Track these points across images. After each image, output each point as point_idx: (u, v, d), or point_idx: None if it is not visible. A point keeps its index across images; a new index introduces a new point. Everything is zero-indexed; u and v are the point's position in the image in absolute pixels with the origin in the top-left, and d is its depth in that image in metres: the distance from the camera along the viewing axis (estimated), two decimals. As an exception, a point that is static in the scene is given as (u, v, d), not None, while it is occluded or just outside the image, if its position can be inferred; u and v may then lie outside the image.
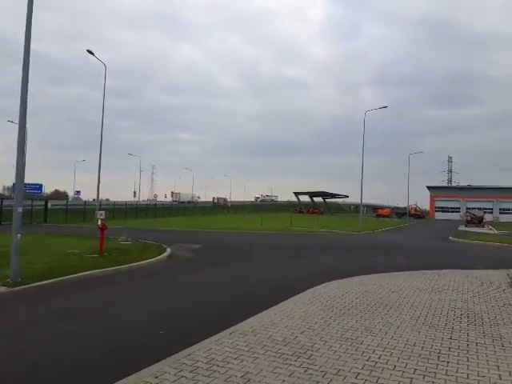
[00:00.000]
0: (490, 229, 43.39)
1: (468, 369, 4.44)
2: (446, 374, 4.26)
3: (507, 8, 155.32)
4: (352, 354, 4.76)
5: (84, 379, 4.24)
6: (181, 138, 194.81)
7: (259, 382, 3.92)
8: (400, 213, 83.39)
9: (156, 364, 4.37)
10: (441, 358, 4.72)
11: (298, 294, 8.14)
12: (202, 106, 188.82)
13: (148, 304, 7.63)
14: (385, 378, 4.10)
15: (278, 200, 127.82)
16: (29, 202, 34.42)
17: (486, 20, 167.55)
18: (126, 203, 50.04)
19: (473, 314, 6.90)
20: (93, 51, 23.21)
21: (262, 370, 4.21)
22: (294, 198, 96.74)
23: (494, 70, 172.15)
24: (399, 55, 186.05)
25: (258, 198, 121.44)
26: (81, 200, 63.28)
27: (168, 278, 10.64)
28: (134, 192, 78.02)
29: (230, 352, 4.72)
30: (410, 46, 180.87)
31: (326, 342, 5.20)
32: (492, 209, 79.83)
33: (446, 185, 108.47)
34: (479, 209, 63.02)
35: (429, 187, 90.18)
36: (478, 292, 8.90)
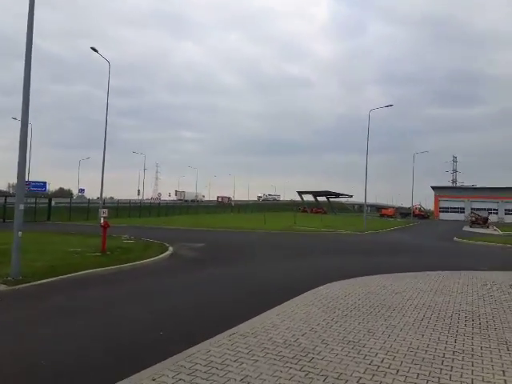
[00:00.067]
0: (495, 230, 43.09)
1: (472, 374, 4.34)
2: (450, 379, 4.17)
3: (510, 6, 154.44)
4: (354, 358, 4.67)
5: (82, 380, 4.18)
6: (184, 137, 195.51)
7: (259, 385, 3.84)
8: (404, 213, 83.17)
9: (154, 366, 4.30)
10: (445, 363, 4.62)
11: (301, 294, 8.05)
12: (204, 105, 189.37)
13: (148, 303, 7.57)
14: (387, 383, 4.01)
15: (281, 199, 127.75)
16: (32, 200, 34.59)
17: (489, 18, 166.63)
18: (129, 201, 50.14)
19: (477, 317, 6.79)
20: (96, 49, 23.12)
21: (261, 373, 4.13)
22: (298, 197, 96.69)
23: (496, 69, 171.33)
24: (403, 53, 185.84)
25: (261, 197, 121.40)
26: (85, 198, 63.47)
27: (169, 277, 10.60)
28: (138, 190, 78.33)
29: (229, 354, 4.64)
30: (413, 45, 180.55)
31: (328, 344, 5.11)
32: (497, 209, 79.36)
33: (451, 185, 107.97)
34: (484, 209, 62.56)
35: (433, 187, 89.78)
36: (483, 294, 8.77)
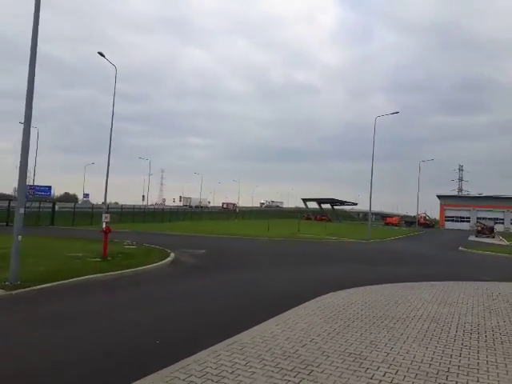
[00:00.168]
0: (501, 240, 42.60)
1: (478, 390, 4.17)
2: (455, 396, 4.00)
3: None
4: (355, 371, 4.51)
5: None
6: (190, 143, 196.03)
7: (255, 399, 3.69)
8: (409, 221, 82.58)
9: (148, 376, 4.17)
10: (449, 378, 4.45)
11: (302, 303, 7.89)
12: (211, 111, 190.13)
13: (146, 310, 7.44)
14: (389, 399, 3.85)
15: (284, 206, 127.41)
16: (36, 204, 34.68)
17: (496, 26, 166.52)
18: (133, 207, 50.17)
19: (483, 330, 6.60)
20: (104, 54, 23.27)
21: (258, 386, 3.99)
22: (302, 204, 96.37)
23: (503, 77, 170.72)
24: (410, 61, 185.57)
25: (263, 203, 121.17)
26: (90, 203, 63.71)
27: (169, 283, 10.46)
28: (143, 196, 78.48)
29: (225, 366, 4.50)
30: (420, 52, 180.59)
31: (328, 356, 4.96)
32: (503, 219, 78.62)
33: (456, 193, 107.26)
34: (490, 219, 61.98)
35: (439, 196, 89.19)
36: (489, 306, 8.57)
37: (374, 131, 35.39)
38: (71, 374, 4.39)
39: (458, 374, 4.60)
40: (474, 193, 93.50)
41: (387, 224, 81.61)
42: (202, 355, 4.84)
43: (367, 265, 16.22)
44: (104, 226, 13.71)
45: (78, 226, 34.12)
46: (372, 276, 12.64)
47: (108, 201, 34.55)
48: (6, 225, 29.11)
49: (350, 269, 14.67)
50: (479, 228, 50.26)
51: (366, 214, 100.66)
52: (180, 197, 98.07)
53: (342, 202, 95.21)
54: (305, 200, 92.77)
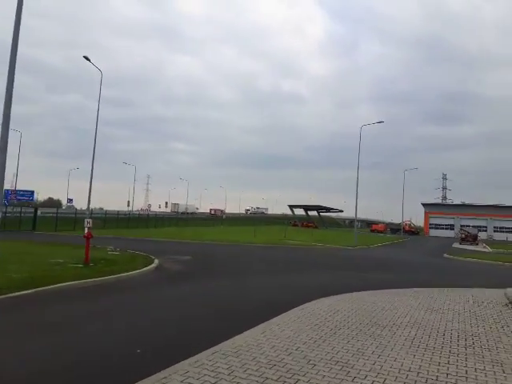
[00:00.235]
0: (485, 247, 43.20)
1: (468, 399, 4.07)
2: (444, 405, 3.89)
3: (499, 29, 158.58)
4: (342, 380, 4.37)
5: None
6: (176, 149, 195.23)
7: (238, 411, 3.52)
8: (394, 229, 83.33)
9: (126, 388, 3.96)
10: (438, 386, 4.35)
11: (288, 310, 7.74)
12: (198, 118, 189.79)
13: (126, 319, 7.19)
14: (377, 409, 3.72)
15: (269, 212, 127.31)
16: (18, 209, 33.92)
17: (479, 40, 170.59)
18: (117, 212, 49.45)
19: (470, 336, 6.53)
20: (89, 58, 22.96)
21: (242, 397, 3.82)
22: (289, 211, 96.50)
23: (487, 90, 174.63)
24: (396, 73, 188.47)
25: (248, 210, 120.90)
26: (74, 208, 62.57)
27: (151, 290, 10.19)
28: (128, 201, 77.44)
29: (208, 376, 4.31)
30: (406, 64, 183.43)
31: (315, 365, 4.81)
32: (486, 227, 79.94)
33: (441, 202, 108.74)
34: (474, 226, 62.91)
35: (424, 204, 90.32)
36: (475, 312, 8.54)
37: (359, 140, 35.69)
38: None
39: (446, 382, 4.49)
40: (457, 201, 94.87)
41: (373, 231, 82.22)
42: (183, 365, 4.64)
43: (353, 271, 16.17)
44: (86, 231, 13.38)
45: (61, 231, 33.42)
46: (358, 282, 12.57)
47: (93, 206, 34.07)
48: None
49: (336, 275, 14.58)
50: (463, 235, 50.93)
51: (351, 220, 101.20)
52: (166, 203, 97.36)
53: (328, 209, 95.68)
54: (291, 207, 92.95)
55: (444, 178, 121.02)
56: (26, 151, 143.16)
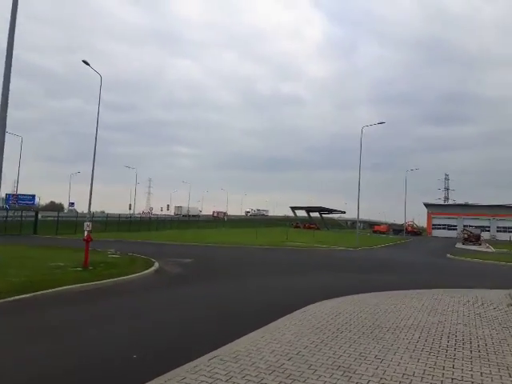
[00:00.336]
0: (488, 247, 42.95)
1: (474, 405, 3.93)
2: (450, 412, 3.75)
3: (499, 29, 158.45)
4: (343, 386, 4.23)
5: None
6: (178, 152, 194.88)
7: (235, 420, 3.39)
8: (397, 229, 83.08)
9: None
10: (443, 392, 4.21)
11: (289, 313, 7.61)
12: (198, 121, 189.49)
13: (124, 323, 7.07)
14: (380, 417, 3.59)
15: (273, 214, 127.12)
16: (18, 213, 33.92)
17: (479, 41, 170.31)
18: (119, 215, 49.38)
19: (475, 339, 6.39)
20: (89, 62, 22.92)
21: (240, 404, 3.69)
22: (291, 213, 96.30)
23: (485, 90, 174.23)
24: (396, 74, 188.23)
25: (249, 212, 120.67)
26: (76, 212, 62.55)
27: (150, 294, 10.06)
28: (130, 204, 77.43)
29: (206, 382, 4.18)
30: (406, 65, 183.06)
31: (316, 370, 4.67)
32: (489, 227, 79.57)
33: (443, 202, 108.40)
34: (476, 227, 62.62)
35: (426, 204, 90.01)
36: (480, 314, 8.39)
37: (360, 141, 35.52)
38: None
39: (451, 387, 4.36)
40: (459, 201, 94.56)
41: (376, 232, 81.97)
42: (181, 371, 4.52)
43: (356, 273, 16.02)
44: (85, 234, 13.27)
45: (62, 234, 33.37)
46: (361, 284, 12.43)
47: (94, 209, 34.04)
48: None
49: (338, 277, 14.44)
50: (466, 235, 50.68)
51: (354, 222, 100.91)
52: (168, 205, 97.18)
53: (330, 211, 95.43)
54: (293, 208, 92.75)
55: (446, 178, 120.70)
56: (28, 156, 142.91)
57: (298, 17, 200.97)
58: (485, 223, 79.17)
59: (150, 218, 58.56)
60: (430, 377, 4.63)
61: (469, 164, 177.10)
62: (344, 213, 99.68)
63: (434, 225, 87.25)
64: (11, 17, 8.87)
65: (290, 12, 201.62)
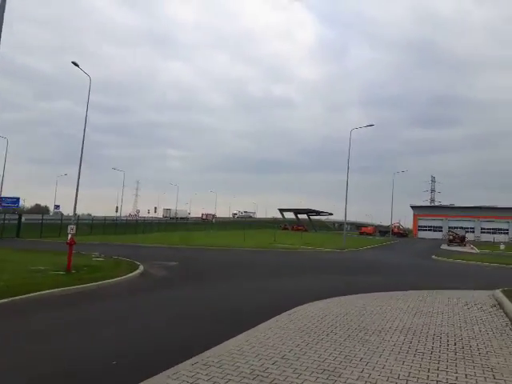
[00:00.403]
0: (472, 248, 43.55)
1: (459, 408, 3.89)
2: (435, 415, 3.70)
3: (489, 32, 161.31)
4: (328, 390, 4.17)
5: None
6: (167, 154, 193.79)
7: (216, 428, 3.29)
8: (383, 231, 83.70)
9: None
10: (428, 395, 4.17)
11: (274, 316, 7.52)
12: (189, 123, 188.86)
13: (102, 328, 6.88)
14: (364, 422, 3.52)
15: (261, 216, 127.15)
16: (1, 216, 33.21)
17: (467, 45, 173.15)
18: (104, 218, 48.77)
19: (460, 341, 6.38)
20: (78, 64, 22.55)
21: (221, 411, 3.59)
22: (279, 215, 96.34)
23: (474, 94, 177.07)
24: (386, 77, 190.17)
25: (236, 214, 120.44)
26: (61, 214, 61.61)
27: (133, 298, 9.86)
28: (117, 207, 76.57)
29: (187, 388, 4.08)
30: (396, 69, 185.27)
31: (300, 374, 4.60)
32: (474, 228, 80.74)
33: (429, 204, 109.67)
34: (461, 228, 63.48)
35: (412, 206, 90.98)
36: (464, 315, 8.42)
37: (349, 143, 35.69)
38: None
39: (436, 390, 4.33)
40: (445, 203, 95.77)
41: (362, 233, 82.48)
42: (161, 377, 4.40)
43: (342, 274, 16.03)
44: (69, 237, 13.02)
45: (46, 238, 32.77)
46: (347, 286, 12.42)
47: (80, 212, 33.53)
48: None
49: (324, 279, 14.42)
50: (451, 237, 51.33)
51: (341, 223, 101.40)
52: (155, 208, 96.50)
53: (318, 213, 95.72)
54: (282, 210, 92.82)
55: (433, 180, 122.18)
56: (15, 158, 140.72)
57: (291, 19, 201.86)
58: (469, 224, 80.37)
59: (136, 220, 57.96)
60: (416, 379, 4.59)
61: (456, 166, 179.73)
62: (331, 214, 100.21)
63: (419, 226, 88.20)
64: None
65: (281, 14, 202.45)
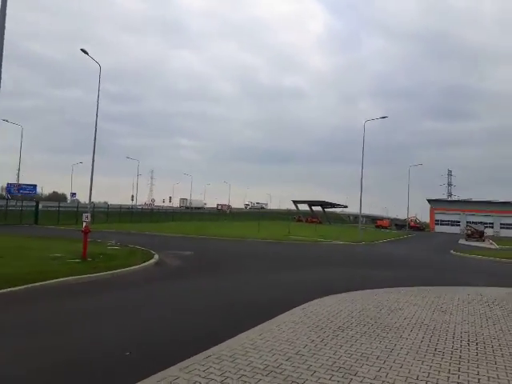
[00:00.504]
0: (491, 243, 42.62)
1: (482, 413, 3.71)
2: (457, 420, 3.53)
3: (503, 22, 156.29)
4: (344, 390, 4.03)
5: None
6: (181, 144, 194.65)
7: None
8: (400, 224, 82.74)
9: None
10: (449, 398, 3.99)
11: (289, 310, 7.40)
12: (201, 113, 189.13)
13: (116, 319, 6.85)
14: (383, 425, 3.37)
15: (275, 208, 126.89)
16: (19, 203, 33.83)
17: (482, 35, 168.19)
18: (120, 207, 49.28)
19: (481, 340, 6.16)
20: (87, 51, 22.57)
21: (234, 409, 3.49)
22: (293, 206, 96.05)
23: (491, 85, 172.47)
24: (398, 68, 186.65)
25: (248, 205, 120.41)
26: (78, 202, 62.55)
27: (148, 287, 9.86)
28: (132, 196, 77.36)
29: (199, 382, 3.99)
30: (408, 59, 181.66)
31: (315, 372, 4.46)
32: (492, 223, 79.05)
33: (446, 198, 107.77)
34: (480, 223, 62.23)
35: (429, 200, 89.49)
36: (485, 313, 8.16)
37: (363, 135, 35.13)
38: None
39: (458, 392, 4.14)
40: (462, 197, 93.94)
41: (378, 226, 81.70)
42: (174, 370, 4.32)
43: (357, 268, 15.80)
44: (84, 225, 13.10)
45: (63, 225, 33.28)
46: (362, 280, 12.22)
47: (97, 200, 33.91)
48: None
49: (340, 272, 14.22)
50: (469, 232, 50.30)
51: (356, 216, 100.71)
52: (170, 197, 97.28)
53: (333, 205, 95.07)
54: (296, 202, 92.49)
55: (449, 173, 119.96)
56: (32, 146, 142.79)
57: (301, 8, 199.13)
58: (488, 219, 78.65)
59: (151, 209, 58.43)
60: (435, 380, 4.42)
61: (473, 160, 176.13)
62: (346, 207, 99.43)
63: (436, 220, 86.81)
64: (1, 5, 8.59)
65: (292, 3, 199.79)
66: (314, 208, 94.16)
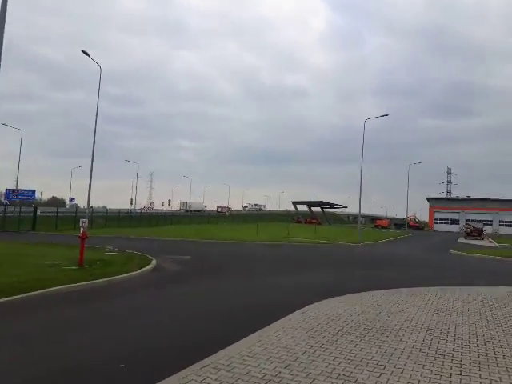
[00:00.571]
0: (490, 241, 42.62)
1: (485, 419, 3.63)
2: (459, 428, 3.45)
3: (508, 19, 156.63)
4: (344, 398, 3.94)
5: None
6: (181, 146, 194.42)
7: None
8: (399, 224, 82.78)
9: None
10: (451, 404, 3.91)
11: (288, 315, 7.30)
12: (201, 114, 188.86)
13: (111, 327, 6.74)
14: (383, 435, 3.29)
15: (270, 209, 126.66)
16: (17, 209, 33.66)
17: (486, 31, 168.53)
18: (119, 211, 49.10)
19: (482, 342, 6.09)
20: (89, 54, 22.50)
21: (230, 421, 3.40)
22: (292, 207, 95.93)
23: (493, 82, 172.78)
24: (399, 65, 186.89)
25: (246, 206, 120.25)
26: (77, 207, 62.39)
27: (145, 295, 9.72)
28: (131, 199, 77.17)
29: (195, 394, 3.90)
30: (410, 56, 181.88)
31: (314, 379, 4.38)
32: (492, 221, 79.07)
33: (445, 196, 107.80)
34: (479, 221, 62.21)
35: (428, 198, 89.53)
36: (486, 313, 8.09)
37: (363, 134, 35.04)
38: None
39: (460, 398, 4.06)
40: (462, 195, 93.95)
41: (377, 226, 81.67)
42: (170, 381, 4.23)
43: (357, 269, 15.72)
44: (81, 231, 12.99)
45: (62, 231, 33.07)
46: (362, 282, 12.13)
47: (96, 205, 33.78)
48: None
49: (338, 274, 14.14)
50: (468, 230, 50.31)
51: (355, 216, 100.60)
52: (169, 200, 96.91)
53: (332, 205, 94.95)
54: (295, 203, 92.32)
55: (449, 172, 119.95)
56: (32, 150, 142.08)
57: (303, 6, 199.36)
58: (488, 217, 78.66)
59: (150, 213, 58.26)
60: (437, 386, 4.34)
61: (472, 158, 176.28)
62: (346, 207, 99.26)
63: (436, 219, 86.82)
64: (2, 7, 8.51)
65: (293, 1, 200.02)
66: (313, 209, 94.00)
